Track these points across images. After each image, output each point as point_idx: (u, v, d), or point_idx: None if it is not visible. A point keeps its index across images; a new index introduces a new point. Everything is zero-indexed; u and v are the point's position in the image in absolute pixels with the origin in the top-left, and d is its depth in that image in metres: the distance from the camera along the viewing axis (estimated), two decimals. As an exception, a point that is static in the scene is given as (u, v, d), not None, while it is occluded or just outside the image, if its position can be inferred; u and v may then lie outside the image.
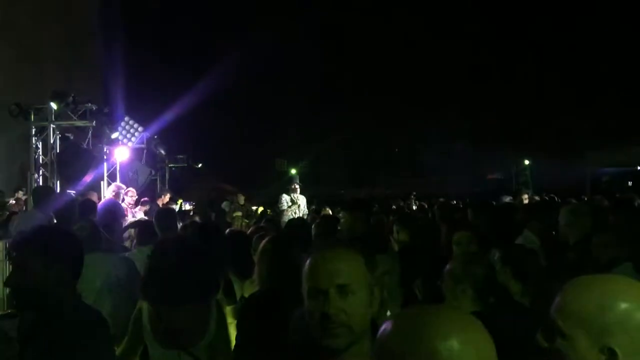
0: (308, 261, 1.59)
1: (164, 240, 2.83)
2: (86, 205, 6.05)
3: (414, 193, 15.84)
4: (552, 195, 12.04)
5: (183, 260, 2.67)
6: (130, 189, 9.50)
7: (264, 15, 26.22)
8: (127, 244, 5.84)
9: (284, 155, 24.40)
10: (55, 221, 5.11)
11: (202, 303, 2.70)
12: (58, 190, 8.19)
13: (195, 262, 2.71)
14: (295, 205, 10.55)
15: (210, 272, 2.77)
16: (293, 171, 18.44)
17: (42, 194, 6.00)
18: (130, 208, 9.07)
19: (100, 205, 6.76)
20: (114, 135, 10.10)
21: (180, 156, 16.86)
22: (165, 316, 2.62)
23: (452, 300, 2.60)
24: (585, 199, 11.80)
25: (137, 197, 9.52)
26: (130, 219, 8.04)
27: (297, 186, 10.86)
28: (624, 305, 1.28)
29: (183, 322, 2.62)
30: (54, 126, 8.79)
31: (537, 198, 11.00)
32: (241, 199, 12.53)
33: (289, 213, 10.21)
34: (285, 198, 10.63)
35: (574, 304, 1.32)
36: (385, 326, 1.06)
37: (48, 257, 2.07)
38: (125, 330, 2.78)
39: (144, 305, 2.72)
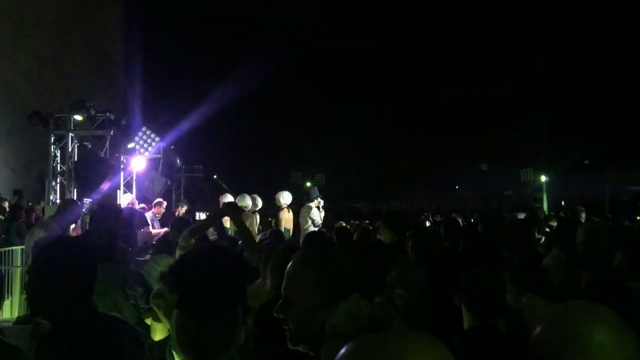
0: None
1: (196, 248, 2.87)
2: (109, 211, 5.99)
3: (432, 207, 15.69)
4: (575, 208, 11.44)
5: (215, 266, 2.71)
6: (161, 200, 9.73)
7: (282, 25, 26.38)
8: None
9: (299, 167, 24.40)
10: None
11: (230, 310, 2.72)
12: (75, 198, 8.24)
13: (226, 268, 2.74)
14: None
15: (237, 278, 2.81)
16: (308, 184, 18.38)
17: (62, 206, 6.03)
18: (157, 220, 9.23)
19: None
20: (131, 145, 10.18)
21: (197, 166, 16.96)
22: (193, 327, 2.61)
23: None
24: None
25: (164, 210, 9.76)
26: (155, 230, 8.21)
27: (320, 200, 10.80)
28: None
29: (211, 333, 2.61)
30: (72, 135, 8.88)
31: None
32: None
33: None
34: (315, 211, 10.59)
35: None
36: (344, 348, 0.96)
37: (64, 270, 2.11)
38: None
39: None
